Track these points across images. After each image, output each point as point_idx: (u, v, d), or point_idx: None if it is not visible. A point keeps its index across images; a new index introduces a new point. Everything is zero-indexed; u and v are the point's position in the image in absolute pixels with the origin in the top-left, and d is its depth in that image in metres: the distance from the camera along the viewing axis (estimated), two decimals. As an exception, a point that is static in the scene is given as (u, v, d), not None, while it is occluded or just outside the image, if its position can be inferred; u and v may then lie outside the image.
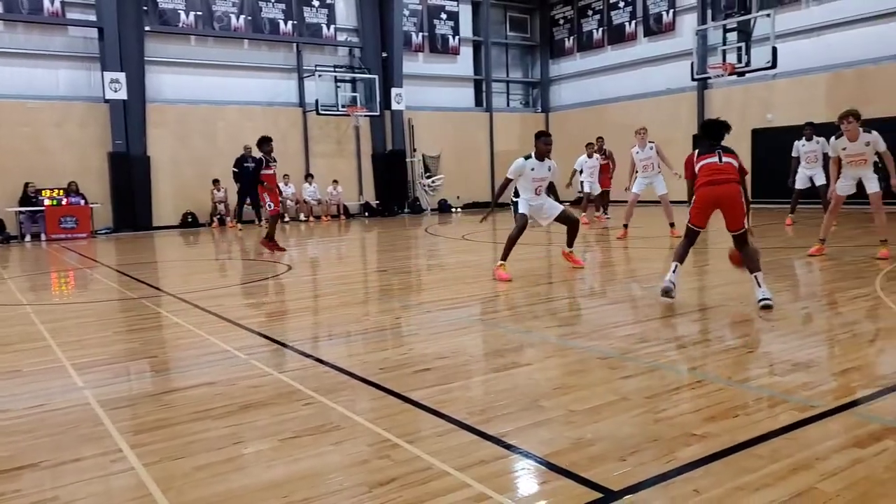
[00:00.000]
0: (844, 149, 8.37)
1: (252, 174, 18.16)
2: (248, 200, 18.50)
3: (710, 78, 18.38)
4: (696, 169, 6.12)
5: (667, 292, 5.90)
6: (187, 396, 3.87)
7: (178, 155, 19.11)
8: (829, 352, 4.27)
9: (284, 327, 5.63)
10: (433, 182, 22.90)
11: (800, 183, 13.05)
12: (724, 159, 6.04)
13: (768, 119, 18.55)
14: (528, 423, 3.19)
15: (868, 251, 8.87)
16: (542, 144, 7.83)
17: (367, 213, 21.65)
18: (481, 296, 6.96)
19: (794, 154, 13.15)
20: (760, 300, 5.55)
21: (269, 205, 11.52)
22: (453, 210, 23.19)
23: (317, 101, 20.26)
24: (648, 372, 3.97)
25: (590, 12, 23.78)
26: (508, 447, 2.90)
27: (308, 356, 4.64)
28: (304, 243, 14.29)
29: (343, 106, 20.89)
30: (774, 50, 15.66)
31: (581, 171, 15.89)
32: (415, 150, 22.81)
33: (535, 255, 10.55)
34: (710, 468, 2.63)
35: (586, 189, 15.88)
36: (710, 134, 6.16)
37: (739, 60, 17.07)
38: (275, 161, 11.69)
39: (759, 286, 5.64)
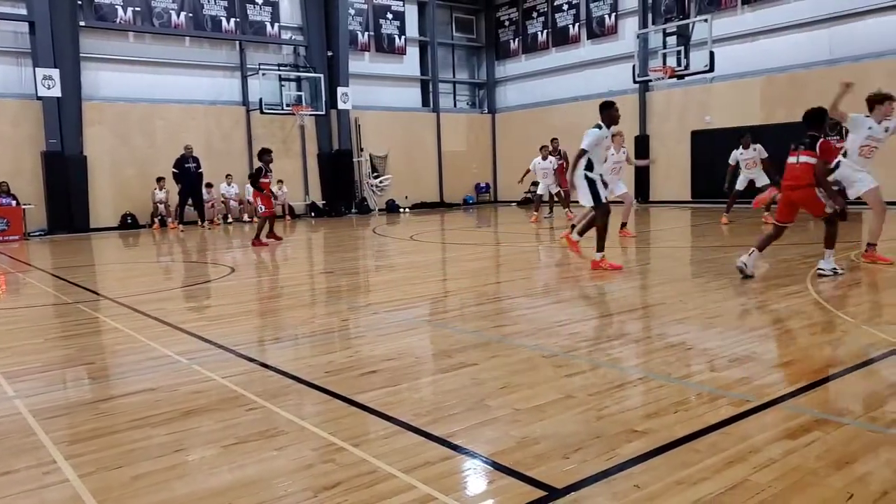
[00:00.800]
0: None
1: (194, 175, 18.03)
2: (190, 201, 18.16)
3: (651, 80, 18.83)
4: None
5: (740, 271, 6.92)
6: (126, 404, 3.76)
7: (117, 154, 18.57)
8: (764, 347, 4.43)
9: (228, 331, 5.52)
10: (381, 182, 22.81)
11: (739, 184, 13.40)
12: (802, 159, 6.82)
13: (706, 121, 19.11)
14: (474, 423, 3.21)
15: (800, 249, 9.21)
16: (615, 111, 8.45)
17: (313, 214, 21.44)
18: (429, 296, 6.98)
19: (731, 161, 13.47)
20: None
21: (261, 208, 12.96)
22: (401, 210, 23.16)
23: (261, 100, 19.96)
24: (592, 370, 4.05)
25: (534, 14, 24.07)
26: (454, 448, 2.92)
27: (252, 360, 4.56)
28: (248, 245, 14.05)
29: (288, 105, 20.64)
30: (712, 54, 16.14)
31: (534, 172, 16.16)
32: (362, 150, 22.69)
33: (484, 255, 10.62)
34: (651, 463, 2.70)
35: (540, 190, 16.12)
36: (806, 123, 7.06)
37: (679, 64, 17.54)
38: (271, 171, 13.14)
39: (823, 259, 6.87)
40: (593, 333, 4.95)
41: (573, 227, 9.43)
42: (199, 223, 18.44)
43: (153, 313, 6.29)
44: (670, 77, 17.57)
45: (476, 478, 2.71)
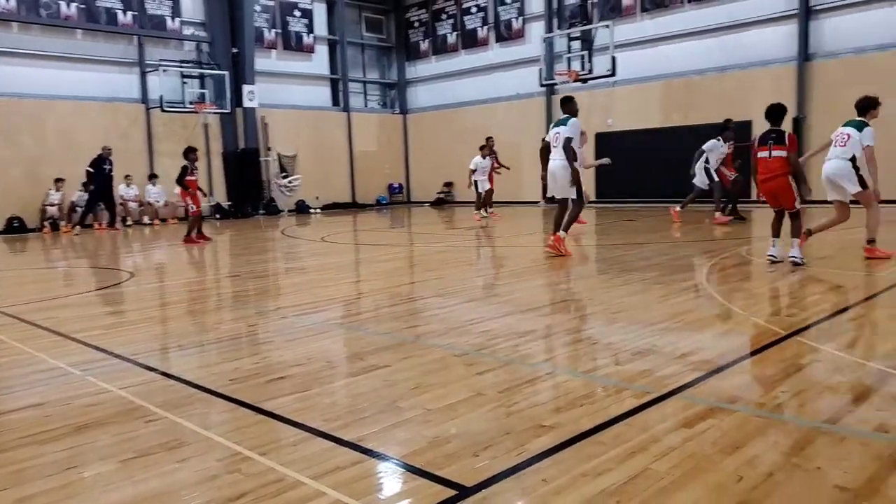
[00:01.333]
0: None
1: (109, 177, 17.21)
2: (102, 205, 17.36)
3: (556, 84, 19.33)
4: (754, 160, 7.51)
5: (771, 262, 7.51)
6: (13, 420, 3.52)
7: (2, 154, 17.35)
8: (664, 340, 4.62)
9: (126, 339, 5.27)
10: (290, 182, 22.36)
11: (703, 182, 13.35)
12: (774, 153, 7.30)
13: (609, 124, 19.80)
14: (386, 425, 3.20)
15: (698, 246, 9.66)
16: (576, 105, 9.26)
17: (218, 216, 20.75)
18: (341, 299, 6.90)
19: (707, 149, 13.24)
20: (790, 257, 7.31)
21: (192, 207, 13.15)
22: (312, 211, 22.81)
23: (161, 98, 19.16)
24: (502, 367, 4.12)
25: (443, 16, 24.24)
26: (365, 451, 2.90)
27: (153, 370, 4.37)
28: (149, 248, 13.48)
29: (190, 103, 19.91)
30: (614, 59, 16.75)
31: (475, 171, 16.30)
32: (269, 150, 22.18)
33: (398, 256, 10.60)
34: (558, 457, 2.76)
35: (480, 189, 16.26)
36: (770, 119, 7.47)
37: (583, 68, 18.09)
38: (196, 169, 13.37)
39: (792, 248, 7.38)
40: (503, 331, 5.03)
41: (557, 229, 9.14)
42: (111, 226, 17.64)
43: (43, 323, 5.92)
44: (575, 81, 18.08)
45: (387, 480, 2.69)
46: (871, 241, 7.84)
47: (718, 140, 13.39)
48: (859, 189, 7.70)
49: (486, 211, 16.41)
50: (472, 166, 16.46)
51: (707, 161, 13.43)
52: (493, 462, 2.73)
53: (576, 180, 8.79)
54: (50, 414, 3.55)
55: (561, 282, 7.60)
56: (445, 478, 2.60)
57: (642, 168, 18.86)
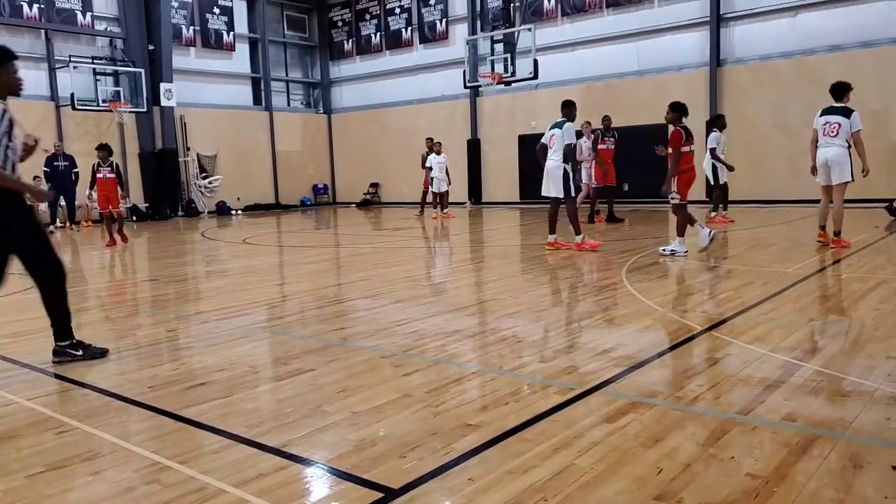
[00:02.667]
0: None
1: (66, 174, 16.52)
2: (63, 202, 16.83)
3: (480, 86, 19.51)
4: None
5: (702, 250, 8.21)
6: None
7: None
8: (586, 337, 4.75)
9: (34, 348, 4.99)
10: (210, 183, 21.75)
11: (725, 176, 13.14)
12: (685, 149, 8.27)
13: (532, 126, 20.14)
14: (311, 429, 3.15)
15: (617, 245, 9.95)
16: (575, 109, 9.80)
17: (134, 217, 19.94)
18: (265, 302, 6.76)
19: (712, 145, 12.99)
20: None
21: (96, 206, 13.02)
22: (233, 212, 22.25)
23: (72, 95, 18.29)
24: (429, 367, 4.13)
25: (367, 16, 24.09)
26: (290, 457, 2.85)
27: (64, 379, 4.17)
28: (61, 252, 12.85)
29: (104, 101, 19.10)
30: (536, 62, 17.04)
31: (432, 169, 16.34)
32: (188, 150, 21.50)
33: (323, 258, 10.46)
34: (484, 456, 2.79)
35: (436, 188, 16.21)
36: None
37: (506, 70, 18.33)
38: (107, 166, 12.95)
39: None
40: (431, 331, 5.05)
41: (553, 229, 9.75)
42: (69, 225, 17.06)
43: (-58, 333, 5.56)
44: (498, 83, 18.31)
45: (312, 485, 2.65)
46: (838, 234, 8.58)
47: (717, 132, 13.37)
48: (850, 179, 8.48)
49: (442, 210, 16.43)
50: (428, 164, 16.58)
51: (714, 156, 13.42)
52: (419, 463, 2.73)
53: (566, 181, 9.34)
54: (-51, 430, 3.33)
55: (486, 281, 7.68)
56: (372, 480, 2.59)
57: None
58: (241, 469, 2.73)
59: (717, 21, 17.14)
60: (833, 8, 15.84)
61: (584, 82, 19.30)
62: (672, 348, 4.40)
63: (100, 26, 19.82)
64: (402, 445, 2.91)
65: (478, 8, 21.09)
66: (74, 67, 18.50)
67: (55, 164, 16.86)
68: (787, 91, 16.32)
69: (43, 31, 18.71)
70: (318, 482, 2.67)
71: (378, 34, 23.84)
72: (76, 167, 17.28)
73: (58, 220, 17.34)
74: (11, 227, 4.30)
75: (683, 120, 8.62)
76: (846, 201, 8.62)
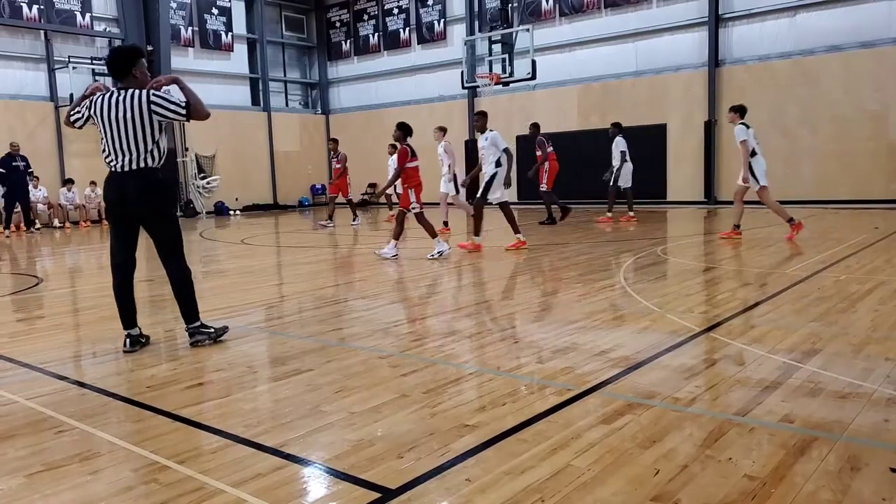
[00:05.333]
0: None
1: (22, 174, 16.32)
2: (17, 205, 16.44)
3: (478, 86, 19.52)
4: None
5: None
6: None
7: None
8: (584, 338, 4.75)
9: (34, 348, 5.00)
10: (208, 183, 21.74)
11: (628, 181, 13.93)
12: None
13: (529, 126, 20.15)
14: (309, 429, 3.16)
15: (615, 246, 9.96)
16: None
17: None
18: (263, 302, 6.76)
19: (622, 149, 13.82)
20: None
21: None
22: (231, 213, 22.25)
23: (71, 96, 18.26)
24: (427, 367, 4.13)
25: (366, 17, 24.10)
26: (287, 457, 2.85)
27: (64, 378, 4.17)
28: (60, 252, 12.84)
29: (103, 101, 19.05)
30: (534, 62, 17.04)
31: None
32: (187, 150, 21.49)
33: (321, 258, 10.46)
34: (481, 456, 2.79)
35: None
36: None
37: (504, 71, 18.33)
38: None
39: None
40: (428, 332, 5.05)
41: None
42: (25, 227, 16.65)
43: (-60, 333, 5.56)
44: (496, 83, 18.31)
45: (309, 486, 2.66)
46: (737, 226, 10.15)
47: (621, 137, 13.93)
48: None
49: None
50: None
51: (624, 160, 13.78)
52: (417, 463, 2.73)
53: (489, 184, 9.66)
54: (-53, 430, 3.34)
55: (484, 282, 7.69)
56: (369, 481, 2.59)
57: (562, 170, 19.23)
58: (238, 469, 2.74)
59: (715, 21, 17.17)
60: (832, 8, 15.87)
61: (581, 83, 19.35)
62: (670, 349, 4.40)
63: (99, 27, 19.83)
64: (399, 446, 2.91)
65: (476, 8, 21.11)
66: (73, 68, 18.49)
67: (13, 164, 16.31)
68: (785, 91, 16.35)
69: (42, 32, 18.71)
70: (316, 482, 2.68)
71: (376, 35, 23.85)
72: (31, 167, 16.82)
73: (12, 225, 16.64)
74: None
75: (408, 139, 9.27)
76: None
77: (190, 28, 21.58)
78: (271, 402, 3.66)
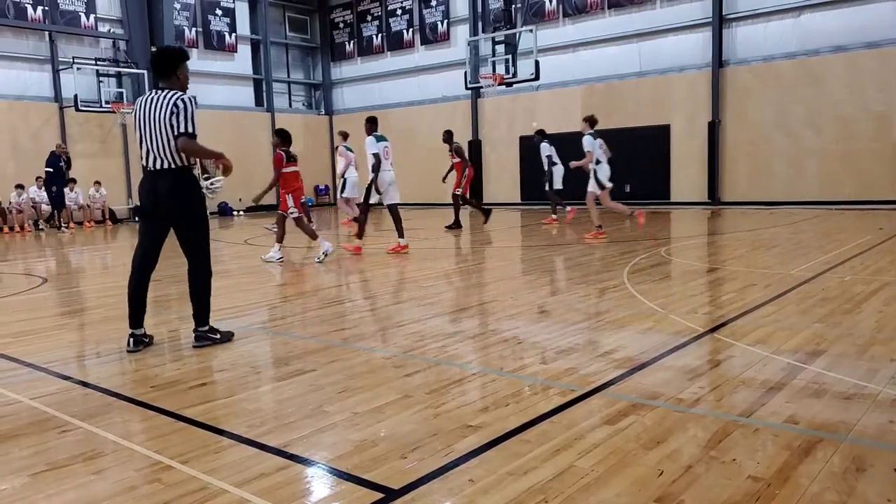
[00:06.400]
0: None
1: (64, 174, 16.83)
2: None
3: (482, 87, 19.54)
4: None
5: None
6: None
7: None
8: (587, 339, 4.74)
9: (38, 347, 5.01)
10: (212, 184, 21.56)
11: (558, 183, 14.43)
12: None
13: (533, 126, 20.12)
14: (312, 430, 3.16)
15: (618, 247, 9.95)
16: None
17: (136, 218, 19.97)
18: (265, 303, 6.77)
19: (547, 153, 14.39)
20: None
21: None
22: (235, 214, 22.27)
23: (76, 97, 18.33)
24: (430, 368, 4.13)
25: (369, 18, 24.11)
26: (290, 457, 2.85)
27: (67, 378, 4.18)
28: (64, 252, 12.86)
29: (107, 102, 19.14)
30: (537, 63, 17.05)
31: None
32: (191, 151, 21.49)
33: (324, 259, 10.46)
34: (485, 457, 2.79)
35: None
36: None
37: (507, 72, 18.34)
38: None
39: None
40: (432, 332, 5.05)
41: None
42: (57, 225, 17.27)
43: (-56, 333, 5.58)
44: (500, 84, 18.32)
45: (313, 485, 2.66)
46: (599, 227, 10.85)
47: (546, 143, 14.41)
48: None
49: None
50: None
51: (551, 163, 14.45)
52: (420, 464, 2.73)
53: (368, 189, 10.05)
54: (-49, 429, 3.34)
55: (486, 283, 7.68)
56: (372, 481, 2.59)
57: (565, 170, 19.25)
58: (242, 469, 2.74)
59: (719, 22, 17.14)
60: (837, 8, 15.82)
61: (585, 83, 19.32)
62: (674, 350, 4.39)
63: (103, 28, 19.87)
64: (402, 446, 2.91)
65: (479, 9, 21.10)
66: (78, 69, 18.54)
67: (59, 164, 17.04)
68: (789, 92, 16.31)
69: (47, 33, 18.76)
70: (319, 482, 2.67)
71: (379, 35, 23.86)
72: (70, 168, 17.58)
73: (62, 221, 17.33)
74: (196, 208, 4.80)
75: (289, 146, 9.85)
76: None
77: (194, 29, 21.61)
78: (275, 402, 3.66)
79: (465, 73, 18.95)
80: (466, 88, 19.57)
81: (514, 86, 18.60)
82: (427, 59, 22.75)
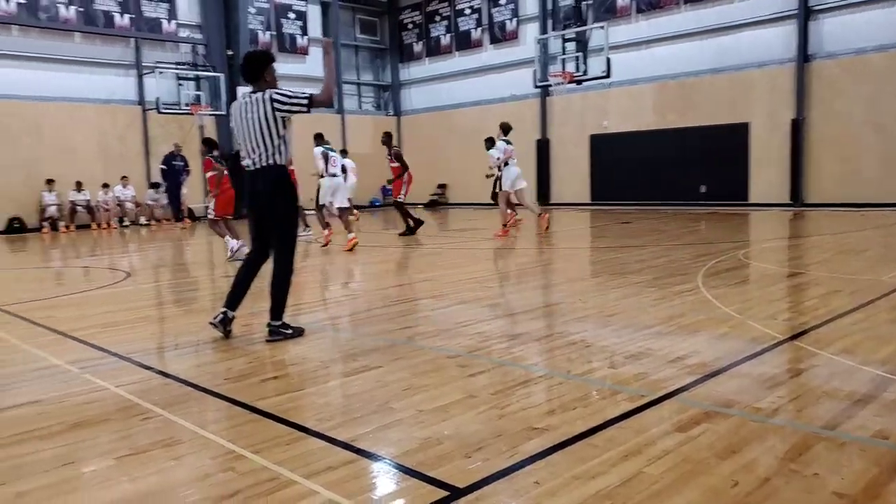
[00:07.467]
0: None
1: (180, 173, 17.99)
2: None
3: (550, 85, 19.38)
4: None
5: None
6: (10, 417, 3.52)
7: (1, 156, 17.27)
8: (659, 343, 4.61)
9: (123, 338, 5.24)
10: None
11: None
12: None
13: (604, 125, 19.83)
14: (378, 425, 3.19)
15: (692, 249, 9.67)
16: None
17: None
18: (333, 300, 6.89)
19: (498, 155, 12.87)
20: None
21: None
22: (306, 212, 22.70)
23: (158, 100, 19.12)
24: (495, 368, 4.11)
25: (437, 18, 24.24)
26: (357, 451, 2.89)
27: (149, 368, 4.36)
28: (145, 248, 13.44)
29: (186, 104, 19.89)
30: (608, 60, 16.75)
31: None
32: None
33: (390, 257, 10.59)
34: (551, 459, 2.76)
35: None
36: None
37: (577, 69, 18.10)
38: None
39: None
40: (497, 333, 5.03)
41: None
42: (175, 220, 18.65)
43: (42, 321, 5.91)
44: (569, 82, 18.09)
45: (379, 480, 2.69)
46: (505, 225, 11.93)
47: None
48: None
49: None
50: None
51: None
52: (485, 464, 2.72)
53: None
54: (47, 411, 3.55)
55: (554, 284, 7.60)
56: (437, 478, 2.59)
57: (637, 170, 18.92)
58: (310, 461, 2.79)
59: (805, 14, 16.39)
60: (933, -2, 14.91)
61: (657, 80, 18.86)
62: (750, 357, 4.22)
63: (183, 33, 20.66)
64: (467, 445, 2.90)
65: (549, 7, 20.90)
66: (160, 73, 19.35)
67: (173, 163, 18.44)
68: (881, 86, 15.45)
69: (133, 40, 19.64)
70: (385, 477, 2.70)
71: (448, 35, 23.95)
72: (189, 167, 19.02)
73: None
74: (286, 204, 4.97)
75: (215, 152, 10.59)
76: None
77: (268, 32, 22.22)
78: (342, 397, 3.72)
79: (534, 71, 18.80)
80: (535, 87, 19.41)
81: (584, 84, 18.33)
82: (495, 58, 22.69)
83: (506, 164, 12.18)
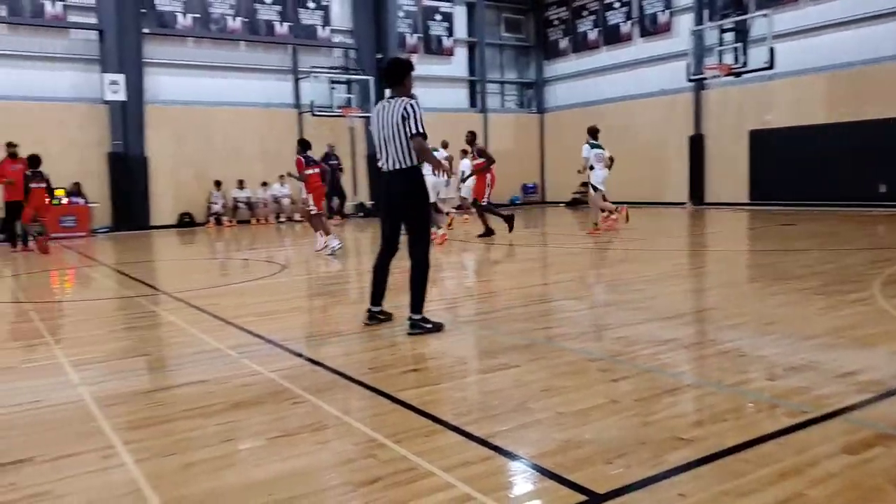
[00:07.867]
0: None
1: (336, 171, 19.56)
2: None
3: (706, 79, 18.38)
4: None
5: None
6: (179, 394, 3.87)
7: (175, 156, 19.06)
8: (825, 356, 4.21)
9: (277, 326, 5.59)
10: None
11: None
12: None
13: (767, 120, 18.50)
14: (516, 424, 3.17)
15: (868, 255, 8.85)
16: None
17: (361, 214, 21.62)
18: (474, 296, 6.95)
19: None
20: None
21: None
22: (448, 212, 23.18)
23: (312, 103, 20.22)
24: (639, 375, 3.95)
25: (585, 13, 23.77)
26: (495, 448, 2.88)
27: (299, 355, 4.62)
28: (299, 243, 14.26)
29: (338, 107, 20.87)
30: (772, 50, 15.62)
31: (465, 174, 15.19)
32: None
33: (531, 256, 10.53)
34: (697, 472, 2.61)
35: (465, 193, 15.51)
36: None
37: (736, 61, 17.06)
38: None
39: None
40: (642, 337, 4.83)
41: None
42: (341, 216, 19.70)
43: (207, 308, 6.43)
44: (727, 75, 17.08)
45: (515, 479, 2.67)
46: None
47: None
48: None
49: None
50: (462, 168, 15.47)
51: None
52: (626, 471, 2.62)
53: None
54: (211, 390, 3.86)
55: (706, 288, 7.20)
56: (576, 482, 2.53)
57: (803, 168, 17.45)
58: (448, 454, 2.82)
59: None
60: None
61: (826, 70, 17.27)
62: (933, 375, 3.77)
63: (336, 39, 21.71)
64: (608, 451, 2.81)
65: (705, -3, 19.83)
66: (315, 77, 20.45)
67: (329, 162, 19.31)
68: None
69: (290, 47, 20.91)
70: (522, 477, 2.68)
71: (595, 30, 23.42)
72: (342, 165, 20.21)
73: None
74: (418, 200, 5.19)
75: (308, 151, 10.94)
76: None
77: (415, 35, 22.82)
78: (480, 393, 3.73)
79: (688, 64, 17.93)
80: (689, 80, 18.52)
81: (743, 76, 17.23)
82: (645, 51, 21.88)
83: (591, 167, 12.66)
